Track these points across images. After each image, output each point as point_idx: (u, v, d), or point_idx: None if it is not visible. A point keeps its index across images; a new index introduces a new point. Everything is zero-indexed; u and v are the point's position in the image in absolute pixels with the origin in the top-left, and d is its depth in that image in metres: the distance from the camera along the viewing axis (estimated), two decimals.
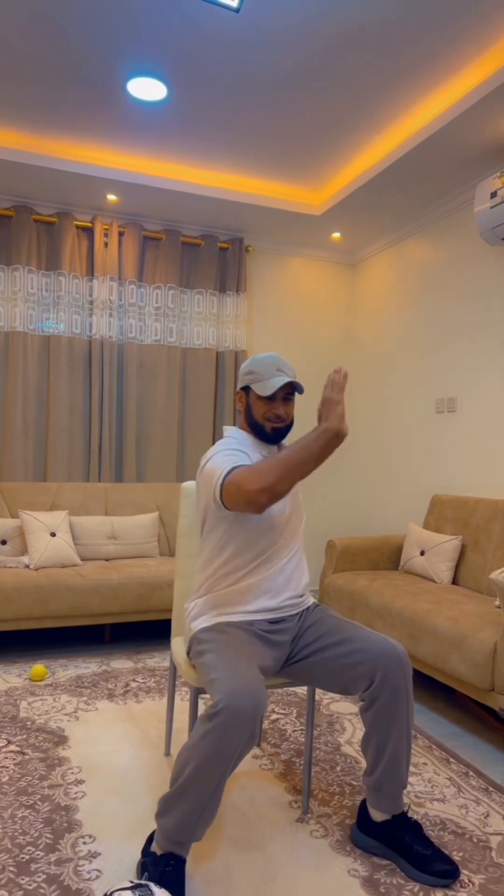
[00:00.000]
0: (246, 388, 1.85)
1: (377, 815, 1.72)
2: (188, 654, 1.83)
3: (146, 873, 1.49)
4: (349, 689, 1.70)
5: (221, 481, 1.62)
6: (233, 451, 1.72)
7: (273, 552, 1.80)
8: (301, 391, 1.81)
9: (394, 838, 1.67)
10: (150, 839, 1.60)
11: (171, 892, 1.44)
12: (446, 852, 1.68)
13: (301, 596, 1.86)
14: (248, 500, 1.55)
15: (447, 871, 1.59)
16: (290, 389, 1.81)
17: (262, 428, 1.81)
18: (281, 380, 1.76)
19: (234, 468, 1.62)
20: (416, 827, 1.69)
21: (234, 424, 4.42)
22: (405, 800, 1.72)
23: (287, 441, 3.64)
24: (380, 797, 1.70)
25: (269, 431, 1.81)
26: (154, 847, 1.52)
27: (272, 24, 2.51)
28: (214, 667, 1.54)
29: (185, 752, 1.47)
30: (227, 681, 1.45)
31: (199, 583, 1.85)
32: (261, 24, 2.50)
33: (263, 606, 1.77)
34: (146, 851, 1.56)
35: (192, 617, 1.83)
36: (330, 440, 1.54)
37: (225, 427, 1.93)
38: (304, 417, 4.79)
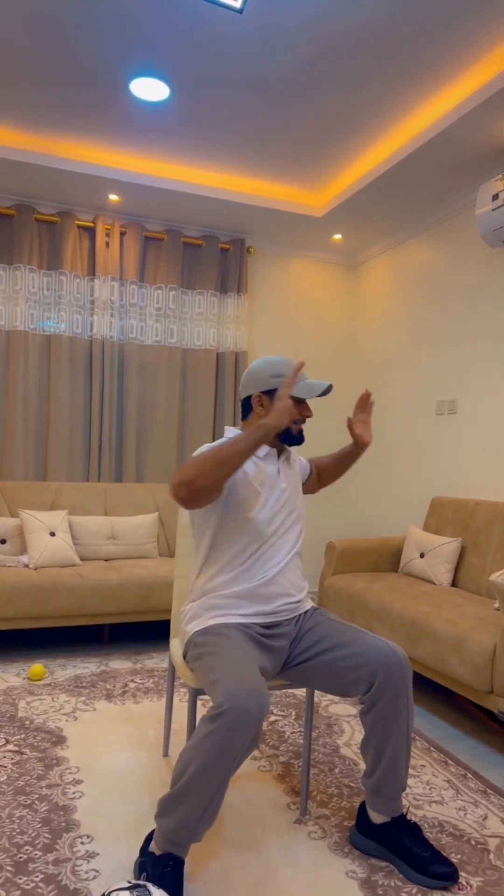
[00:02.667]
0: (268, 392, 1.81)
1: (376, 818, 1.72)
2: (184, 657, 1.83)
3: (144, 873, 1.49)
4: (348, 692, 1.70)
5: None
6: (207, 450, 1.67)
7: (262, 560, 1.78)
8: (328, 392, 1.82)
9: (393, 840, 1.67)
10: (148, 838, 1.59)
11: (169, 893, 1.44)
12: (445, 854, 1.67)
13: (297, 601, 1.84)
14: (172, 493, 1.57)
15: (446, 874, 1.59)
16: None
17: (289, 431, 1.82)
18: (324, 382, 1.78)
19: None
20: (415, 829, 1.69)
21: (235, 426, 4.42)
22: (404, 802, 1.71)
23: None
24: (379, 800, 1.69)
25: (296, 434, 1.83)
26: (153, 847, 1.52)
27: (275, 25, 2.51)
28: (214, 668, 1.53)
29: (186, 752, 1.45)
30: (229, 682, 1.44)
31: (193, 588, 1.86)
32: (264, 25, 2.50)
33: (257, 611, 1.76)
34: (144, 851, 1.55)
35: (187, 620, 1.82)
36: (264, 435, 1.59)
37: (226, 427, 1.92)
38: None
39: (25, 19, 2.52)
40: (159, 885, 1.44)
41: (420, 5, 2.37)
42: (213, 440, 4.42)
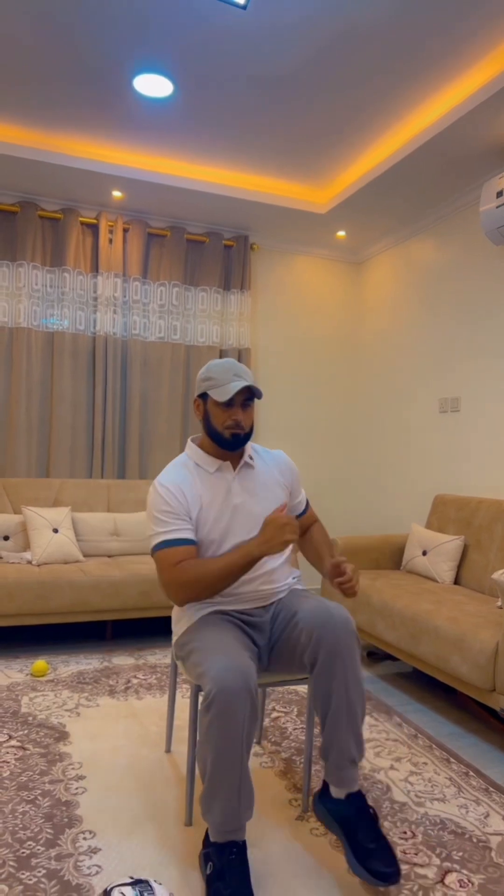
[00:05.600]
0: (203, 396, 1.82)
1: (333, 790, 1.66)
2: (178, 658, 1.87)
3: (210, 863, 1.51)
4: (301, 661, 1.69)
5: (151, 551, 1.75)
6: (164, 515, 1.73)
7: None
8: (259, 396, 1.79)
9: (344, 819, 1.60)
10: (207, 832, 1.61)
11: (236, 877, 1.46)
12: (393, 854, 1.53)
13: (273, 590, 1.87)
14: (167, 594, 1.73)
15: (384, 874, 1.47)
16: (249, 395, 1.79)
17: (220, 435, 1.79)
18: (238, 384, 1.74)
19: (164, 543, 1.71)
20: (368, 815, 1.60)
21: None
22: (360, 782, 1.63)
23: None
24: (329, 768, 1.65)
25: (229, 437, 1.78)
26: (213, 837, 1.54)
27: (279, 22, 2.50)
28: (199, 662, 1.58)
29: (200, 749, 1.51)
30: (212, 668, 1.49)
31: None
32: (268, 21, 2.50)
33: (233, 608, 1.82)
34: (207, 842, 1.58)
35: (175, 621, 1.90)
36: (254, 560, 1.65)
37: (189, 440, 1.91)
38: (294, 424, 4.79)
39: (29, 17, 2.52)
40: (227, 873, 1.46)
41: (424, 2, 2.36)
42: None
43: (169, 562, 1.68)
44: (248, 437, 1.82)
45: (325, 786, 1.70)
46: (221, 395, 1.75)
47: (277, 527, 1.63)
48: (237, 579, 1.68)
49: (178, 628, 1.85)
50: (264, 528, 1.65)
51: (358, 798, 1.63)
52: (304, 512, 2.05)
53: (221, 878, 1.46)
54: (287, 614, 1.79)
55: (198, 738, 1.50)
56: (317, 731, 2.44)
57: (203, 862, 1.56)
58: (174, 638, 1.87)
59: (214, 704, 1.44)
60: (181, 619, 1.85)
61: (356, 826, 1.57)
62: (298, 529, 1.65)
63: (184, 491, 1.77)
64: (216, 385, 1.77)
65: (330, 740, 1.63)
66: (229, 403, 1.77)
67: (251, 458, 1.90)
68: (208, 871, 1.50)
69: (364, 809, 1.61)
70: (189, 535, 1.73)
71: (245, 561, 1.65)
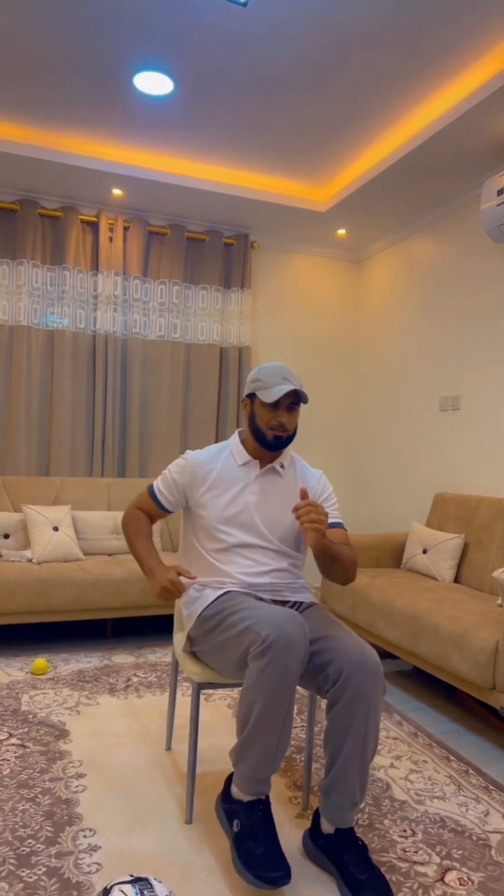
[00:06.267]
0: (251, 395, 1.88)
1: (325, 826, 1.64)
2: (191, 645, 1.85)
3: (237, 820, 1.52)
4: (321, 689, 1.67)
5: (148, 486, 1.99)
6: (169, 480, 1.93)
7: (242, 549, 1.84)
8: (306, 401, 1.82)
9: (334, 854, 1.59)
10: (227, 785, 1.63)
11: (268, 836, 1.48)
12: (388, 884, 1.52)
13: (292, 582, 1.89)
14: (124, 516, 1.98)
15: None
16: (295, 398, 1.83)
17: (264, 435, 1.84)
18: (285, 387, 1.78)
19: (150, 489, 1.96)
20: (359, 848, 1.58)
21: (239, 425, 4.43)
22: (355, 818, 1.61)
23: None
24: (328, 805, 1.62)
25: (271, 439, 1.83)
26: (237, 794, 1.54)
27: (279, 20, 2.50)
28: (244, 618, 1.60)
29: (247, 693, 1.51)
30: (267, 616, 1.52)
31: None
32: (268, 19, 2.49)
33: (246, 582, 1.83)
34: (228, 797, 1.59)
35: (186, 605, 1.87)
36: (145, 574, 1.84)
37: (236, 431, 1.99)
38: (299, 426, 4.79)
39: (29, 15, 2.51)
40: (255, 831, 1.48)
41: (424, 0, 2.36)
42: (217, 435, 4.43)
43: (138, 501, 1.98)
44: (290, 439, 1.87)
45: (315, 820, 1.69)
46: (268, 396, 1.80)
47: (159, 582, 1.71)
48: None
49: (197, 607, 1.81)
50: (158, 574, 1.75)
51: (348, 832, 1.61)
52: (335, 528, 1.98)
53: (253, 837, 1.47)
54: (315, 634, 1.73)
55: (245, 682, 1.52)
56: (317, 740, 2.44)
57: (226, 817, 1.58)
58: (190, 621, 1.82)
59: (273, 647, 1.46)
60: (197, 600, 1.82)
61: (348, 860, 1.55)
62: (168, 597, 1.71)
63: (198, 471, 1.89)
64: (264, 387, 1.82)
65: (336, 781, 1.60)
66: (275, 405, 1.82)
67: (282, 466, 1.93)
68: (236, 829, 1.51)
69: (354, 841, 1.59)
70: (167, 504, 1.94)
71: (140, 564, 1.85)
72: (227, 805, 1.60)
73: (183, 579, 1.91)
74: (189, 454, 1.92)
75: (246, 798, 1.55)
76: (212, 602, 1.78)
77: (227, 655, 1.64)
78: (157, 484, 1.95)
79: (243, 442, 1.94)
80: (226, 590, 1.80)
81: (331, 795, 1.61)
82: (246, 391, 1.90)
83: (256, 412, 1.85)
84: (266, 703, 1.47)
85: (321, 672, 1.64)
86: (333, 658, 1.62)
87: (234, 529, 1.84)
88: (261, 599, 1.82)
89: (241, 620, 1.61)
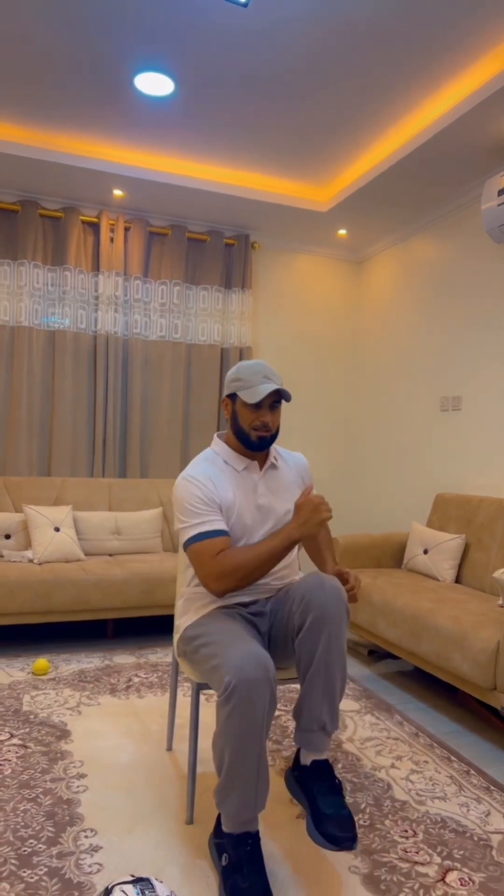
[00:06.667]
0: (232, 396, 1.84)
1: (303, 757, 1.66)
2: (181, 654, 1.87)
3: (225, 854, 1.52)
4: (294, 627, 1.69)
5: (184, 545, 1.76)
6: (199, 506, 1.74)
7: None
8: (288, 399, 1.80)
9: (307, 785, 1.61)
10: (218, 822, 1.62)
11: (254, 870, 1.47)
12: (355, 823, 1.52)
13: (281, 585, 1.91)
14: (206, 585, 1.72)
15: (337, 837, 1.47)
16: (277, 397, 1.81)
17: (247, 436, 1.81)
18: (268, 387, 1.76)
19: (200, 535, 1.72)
20: (332, 785, 1.59)
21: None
22: (328, 746, 1.64)
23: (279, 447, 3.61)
24: (298, 730, 1.65)
25: (255, 440, 1.81)
26: (227, 828, 1.55)
27: (280, 20, 2.50)
28: (212, 654, 1.58)
29: (217, 740, 1.50)
30: (230, 660, 1.49)
31: (179, 585, 1.95)
32: (268, 19, 2.49)
33: (237, 601, 1.84)
34: (219, 832, 1.58)
35: (179, 615, 1.91)
36: (291, 544, 1.67)
37: (215, 436, 1.94)
38: (296, 423, 4.79)
39: (30, 15, 2.51)
40: (242, 865, 1.47)
41: (424, 0, 2.36)
42: None
43: (208, 553, 1.70)
44: (273, 438, 1.84)
45: (297, 756, 1.71)
46: (250, 396, 1.76)
47: (312, 507, 1.66)
48: (276, 565, 1.69)
49: (182, 622, 1.86)
50: (299, 511, 1.68)
51: (323, 765, 1.63)
52: None
53: (238, 871, 1.47)
54: (282, 592, 1.83)
55: (215, 728, 1.50)
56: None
57: (216, 852, 1.57)
58: (177, 633, 1.87)
59: (235, 694, 1.44)
60: (185, 613, 1.87)
61: (318, 793, 1.57)
62: (331, 508, 1.68)
63: (214, 483, 1.80)
64: (245, 386, 1.79)
65: (303, 702, 1.63)
66: (258, 405, 1.78)
67: (276, 459, 1.94)
68: (224, 863, 1.51)
69: (328, 777, 1.61)
70: (223, 525, 1.75)
71: (285, 544, 1.67)
72: (218, 840, 1.59)
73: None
74: (192, 472, 1.80)
75: (235, 832, 1.53)
76: (194, 621, 1.81)
77: (209, 681, 1.64)
78: (195, 524, 1.73)
79: (228, 444, 1.90)
80: (207, 610, 1.81)
81: (300, 718, 1.64)
82: (226, 391, 1.85)
83: (239, 413, 1.82)
84: (235, 750, 1.46)
85: (289, 614, 1.69)
86: (294, 593, 1.67)
87: (253, 535, 1.83)
88: (254, 603, 1.84)
89: (210, 656, 1.59)
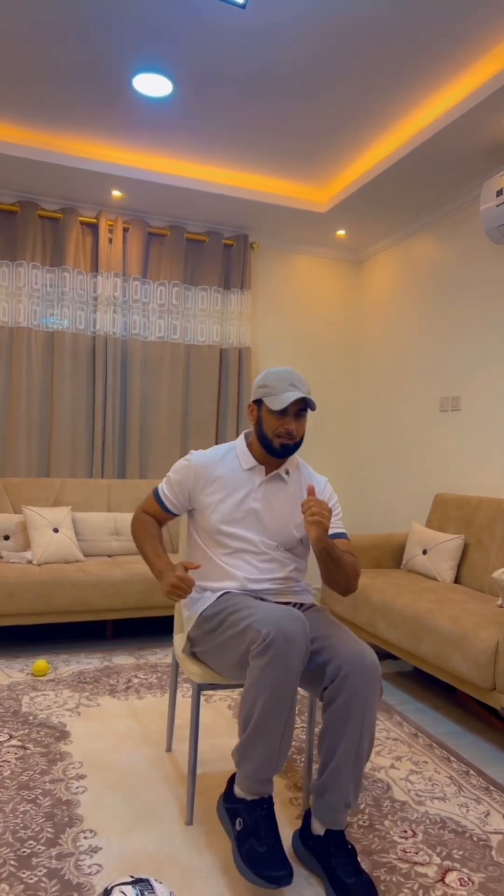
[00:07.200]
0: (258, 401, 1.84)
1: (316, 827, 1.63)
2: (191, 647, 1.85)
3: (239, 819, 1.52)
4: (319, 689, 1.66)
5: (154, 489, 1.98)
6: (173, 482, 1.90)
7: (244, 554, 1.84)
8: (314, 408, 1.79)
9: (324, 855, 1.58)
10: (230, 787, 1.62)
11: (273, 836, 1.47)
12: (374, 887, 1.51)
13: (294, 586, 1.89)
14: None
15: None
16: (303, 405, 1.79)
17: (270, 442, 1.80)
18: (293, 395, 1.75)
19: (156, 492, 1.95)
20: (348, 852, 1.57)
21: (240, 427, 4.43)
22: (346, 821, 1.61)
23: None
24: (320, 806, 1.60)
25: (278, 447, 1.80)
26: (240, 794, 1.54)
27: (278, 21, 2.50)
28: (243, 617, 1.60)
29: (250, 692, 1.50)
30: (266, 614, 1.52)
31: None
32: (267, 20, 2.50)
33: (248, 588, 1.82)
34: (231, 797, 1.58)
35: (187, 606, 1.88)
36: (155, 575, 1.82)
37: (242, 433, 1.95)
38: (311, 430, 4.79)
39: (29, 16, 2.52)
40: (258, 829, 1.48)
41: (423, 0, 2.36)
42: (217, 436, 4.43)
43: (144, 504, 1.97)
44: (297, 446, 1.83)
45: (306, 821, 1.67)
46: (276, 403, 1.76)
47: (168, 581, 1.64)
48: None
49: (196, 608, 1.81)
50: (166, 574, 1.70)
51: (338, 834, 1.60)
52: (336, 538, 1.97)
53: (255, 835, 1.47)
54: (314, 634, 1.72)
55: (246, 682, 1.51)
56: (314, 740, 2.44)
57: (228, 817, 1.57)
58: (189, 623, 1.82)
59: (274, 646, 1.45)
60: (199, 600, 1.82)
61: (336, 863, 1.54)
62: (178, 594, 1.65)
63: (202, 472, 1.86)
64: (271, 393, 1.78)
65: (329, 782, 1.59)
66: (283, 412, 1.78)
67: (287, 472, 1.90)
68: (238, 828, 1.51)
69: (344, 844, 1.58)
70: (172, 508, 1.92)
71: (150, 566, 1.84)
72: (230, 805, 1.59)
73: (191, 573, 1.90)
74: (193, 455, 1.88)
75: (249, 797, 1.55)
76: (212, 602, 1.78)
77: (229, 655, 1.64)
78: (162, 486, 1.93)
79: (249, 445, 1.90)
80: (225, 590, 1.80)
81: (324, 796, 1.60)
82: (253, 397, 1.86)
83: (263, 419, 1.81)
84: (268, 701, 1.46)
85: (320, 672, 1.64)
86: (332, 657, 1.61)
87: (237, 535, 1.82)
88: (263, 600, 1.82)
89: (241, 619, 1.60)
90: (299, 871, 1.62)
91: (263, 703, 1.47)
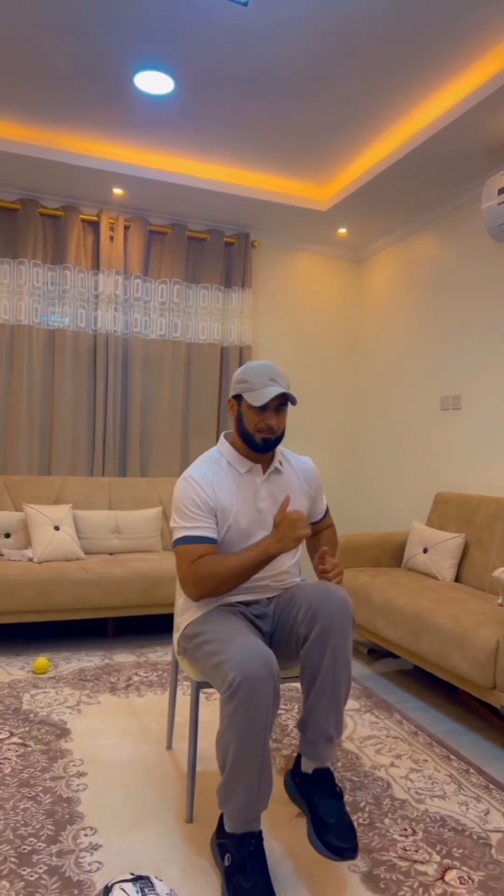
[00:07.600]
0: (238, 397, 1.83)
1: (305, 765, 1.68)
2: (181, 652, 1.87)
3: (228, 855, 1.52)
4: (300, 637, 1.69)
5: (172, 544, 1.78)
6: (191, 509, 1.75)
7: None
8: (294, 402, 1.79)
9: (309, 793, 1.62)
10: (220, 822, 1.62)
11: (257, 870, 1.47)
12: (356, 832, 1.55)
13: (283, 586, 1.91)
14: (183, 589, 1.74)
15: (339, 848, 1.49)
16: (283, 400, 1.80)
17: (252, 438, 1.80)
18: (274, 390, 1.75)
19: (185, 538, 1.73)
20: (333, 793, 1.61)
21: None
22: (331, 756, 1.66)
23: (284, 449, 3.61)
24: (303, 741, 1.66)
25: (260, 442, 1.79)
26: (231, 828, 1.55)
27: (280, 19, 2.49)
28: (215, 652, 1.58)
29: (221, 738, 1.50)
30: (234, 655, 1.49)
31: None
32: (269, 18, 2.49)
33: (238, 599, 1.84)
34: (222, 832, 1.58)
35: (179, 612, 1.90)
36: (267, 559, 1.67)
37: (221, 435, 1.92)
38: (296, 422, 4.79)
39: (30, 13, 2.51)
40: (245, 865, 1.47)
41: None
42: (217, 435, 4.43)
43: (188, 558, 1.71)
44: (278, 440, 1.83)
45: (298, 760, 1.72)
46: (256, 399, 1.75)
47: (289, 523, 1.65)
48: (251, 577, 1.70)
49: (182, 620, 1.85)
50: (277, 526, 1.67)
51: (325, 774, 1.64)
52: (323, 518, 2.07)
53: (241, 871, 1.47)
54: (287, 596, 1.82)
55: (219, 726, 1.50)
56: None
57: (219, 852, 1.58)
58: (178, 632, 1.87)
59: (239, 692, 1.43)
60: (187, 611, 1.86)
61: (320, 801, 1.58)
62: (309, 525, 1.68)
63: (213, 487, 1.79)
64: (251, 388, 1.78)
65: (310, 714, 1.64)
66: (263, 408, 1.78)
67: (281, 463, 1.92)
68: (226, 864, 1.51)
69: (330, 786, 1.62)
70: (211, 533, 1.75)
71: (261, 559, 1.67)
72: (220, 840, 1.59)
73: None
74: (194, 473, 1.80)
75: (238, 832, 1.53)
76: (196, 619, 1.80)
77: (209, 678, 1.64)
78: (186, 527, 1.74)
79: (234, 445, 1.88)
80: (209, 608, 1.80)
81: (306, 730, 1.64)
82: (232, 392, 1.85)
83: (244, 414, 1.81)
84: (238, 748, 1.46)
85: (294, 621, 1.69)
86: (301, 602, 1.68)
87: (251, 539, 1.82)
88: (246, 605, 1.83)
89: (213, 654, 1.59)
90: (289, 803, 1.62)
91: (235, 749, 1.46)
